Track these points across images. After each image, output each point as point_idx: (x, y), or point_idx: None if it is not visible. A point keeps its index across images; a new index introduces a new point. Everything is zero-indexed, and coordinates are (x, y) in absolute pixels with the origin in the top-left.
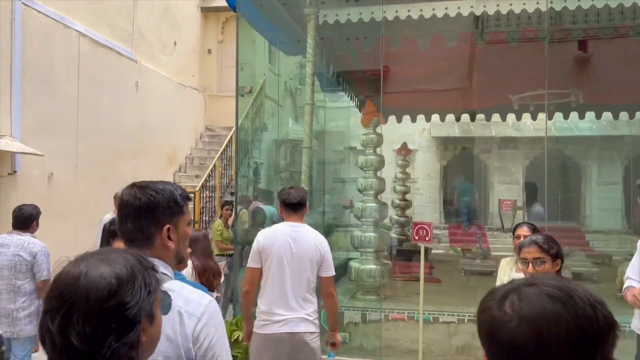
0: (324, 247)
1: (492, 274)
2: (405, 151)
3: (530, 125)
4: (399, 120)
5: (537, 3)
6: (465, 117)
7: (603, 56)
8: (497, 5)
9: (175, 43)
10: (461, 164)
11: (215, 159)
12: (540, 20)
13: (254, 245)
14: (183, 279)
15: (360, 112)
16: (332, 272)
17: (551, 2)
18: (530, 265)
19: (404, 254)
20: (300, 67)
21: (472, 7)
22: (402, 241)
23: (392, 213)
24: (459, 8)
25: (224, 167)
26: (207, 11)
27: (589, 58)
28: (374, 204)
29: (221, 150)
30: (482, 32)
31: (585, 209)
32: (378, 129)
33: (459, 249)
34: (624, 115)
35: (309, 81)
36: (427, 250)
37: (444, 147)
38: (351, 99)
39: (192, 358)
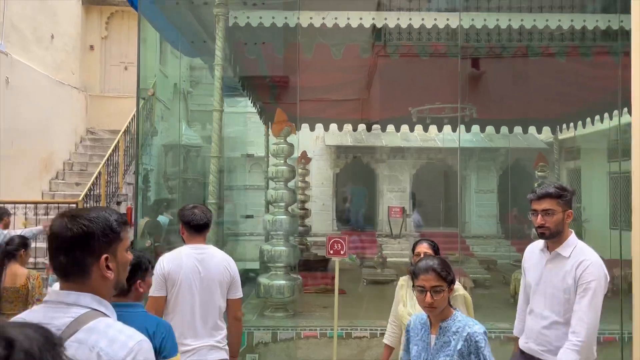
0: (233, 269)
1: (392, 282)
2: (305, 160)
3: (417, 136)
4: (297, 128)
5: (447, 20)
6: (360, 126)
7: (492, 74)
8: (398, 19)
9: (52, 36)
10: (353, 172)
11: (101, 165)
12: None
13: (157, 270)
14: (136, 311)
15: (261, 118)
16: (241, 294)
17: (461, 19)
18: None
19: (306, 265)
20: (191, 69)
21: (373, 18)
22: (302, 251)
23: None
24: (360, 19)
25: (109, 175)
26: (89, 3)
27: (480, 75)
28: (285, 217)
29: (107, 155)
30: (385, 45)
31: (465, 216)
32: (289, 139)
33: (354, 256)
34: (504, 129)
35: (218, 85)
36: (327, 260)
37: (336, 156)
38: (253, 105)
39: None
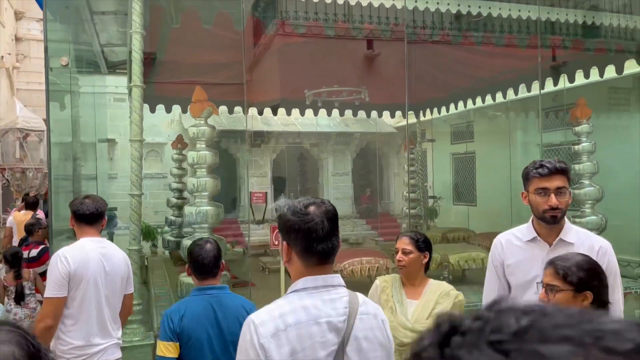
0: (128, 263)
1: None
2: (181, 144)
3: (278, 120)
4: (169, 109)
5: None
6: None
7: (385, 57)
8: None
9: None
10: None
11: None
12: (344, 17)
13: (60, 268)
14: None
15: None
16: (133, 288)
17: None
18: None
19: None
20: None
21: None
22: (179, 244)
23: (167, 213)
24: None
25: None
26: None
27: (375, 57)
28: (210, 207)
29: None
30: (284, 23)
31: (324, 197)
32: (210, 120)
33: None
34: (386, 114)
35: (137, 57)
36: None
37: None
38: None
39: None
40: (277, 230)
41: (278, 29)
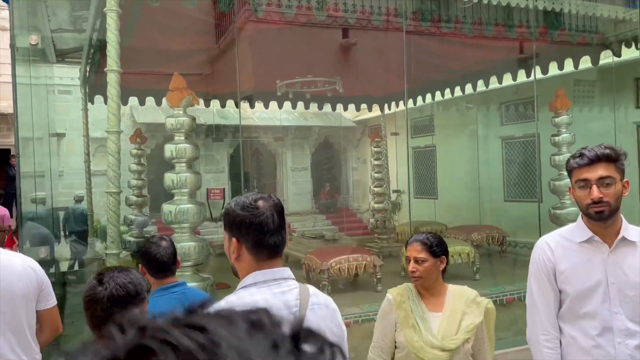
0: (39, 272)
1: None
2: (140, 139)
3: (234, 114)
4: (125, 101)
5: None
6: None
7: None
8: None
9: None
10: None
11: None
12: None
13: None
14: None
15: (83, 89)
16: (55, 301)
17: None
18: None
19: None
20: None
21: None
22: (140, 245)
23: (127, 212)
24: None
25: None
26: None
27: (350, 47)
28: (191, 205)
29: None
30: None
31: (283, 193)
32: (189, 111)
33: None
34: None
35: (114, 38)
36: None
37: (147, 135)
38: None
39: None
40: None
41: (249, 15)
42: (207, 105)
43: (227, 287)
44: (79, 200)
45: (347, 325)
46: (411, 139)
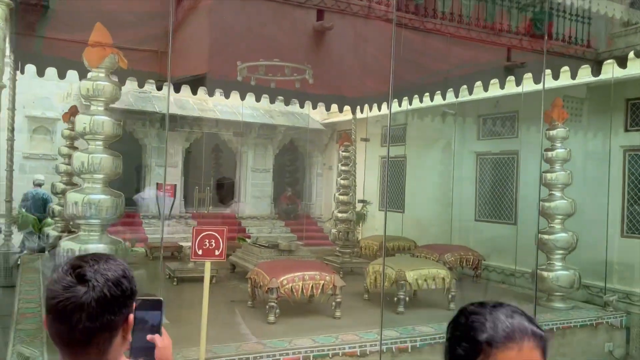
0: None
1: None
2: (74, 117)
3: (194, 105)
4: (62, 75)
5: None
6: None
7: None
8: None
9: None
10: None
11: None
12: None
13: None
14: None
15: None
16: None
17: None
18: None
19: None
20: None
21: None
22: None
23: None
24: None
25: None
26: None
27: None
28: (105, 196)
29: None
30: None
31: (240, 195)
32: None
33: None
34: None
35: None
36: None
37: None
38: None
39: None
40: (201, 235)
41: None
42: (159, 88)
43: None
44: (39, 184)
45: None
46: (380, 148)
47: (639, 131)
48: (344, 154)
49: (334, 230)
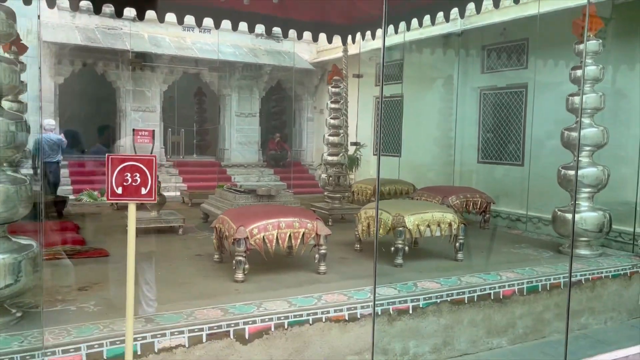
0: None
1: (178, 230)
2: (18, 48)
3: (170, 42)
4: None
5: None
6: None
7: None
8: None
9: None
10: (83, 83)
11: None
12: None
13: None
14: None
15: None
16: None
17: None
18: None
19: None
20: None
21: None
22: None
23: None
24: None
25: None
26: None
27: None
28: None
29: None
30: None
31: (225, 142)
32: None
33: (95, 193)
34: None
35: None
36: (61, 201)
37: (57, 60)
38: None
39: None
40: (120, 167)
41: None
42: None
43: (97, 256)
44: (50, 129)
45: (266, 330)
46: (375, 87)
47: None
48: (334, 90)
49: (323, 176)
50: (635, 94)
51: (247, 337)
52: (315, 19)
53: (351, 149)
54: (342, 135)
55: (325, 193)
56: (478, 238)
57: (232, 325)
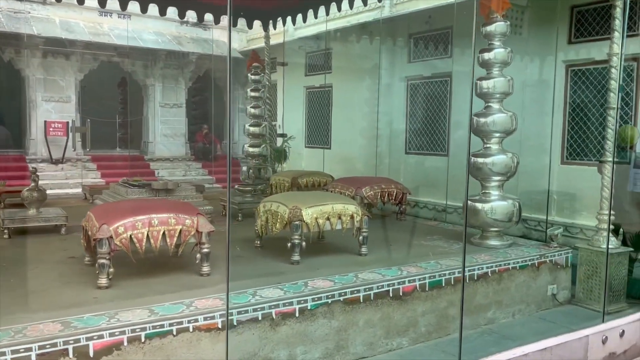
0: None
1: (60, 229)
2: None
3: (84, 27)
4: None
5: None
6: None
7: None
8: None
9: None
10: None
11: None
12: None
13: None
14: None
15: None
16: None
17: None
18: None
19: None
20: None
21: None
22: None
23: None
24: None
25: None
26: None
27: None
28: None
29: None
30: None
31: (149, 135)
32: None
33: None
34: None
35: None
36: None
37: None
38: None
39: None
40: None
41: None
42: None
43: None
44: None
45: (117, 345)
46: (305, 77)
47: (584, 42)
48: (253, 77)
49: (244, 169)
50: (545, 80)
51: (91, 354)
52: (236, 3)
53: (279, 141)
54: (263, 125)
55: (236, 186)
56: (392, 230)
57: (71, 342)
